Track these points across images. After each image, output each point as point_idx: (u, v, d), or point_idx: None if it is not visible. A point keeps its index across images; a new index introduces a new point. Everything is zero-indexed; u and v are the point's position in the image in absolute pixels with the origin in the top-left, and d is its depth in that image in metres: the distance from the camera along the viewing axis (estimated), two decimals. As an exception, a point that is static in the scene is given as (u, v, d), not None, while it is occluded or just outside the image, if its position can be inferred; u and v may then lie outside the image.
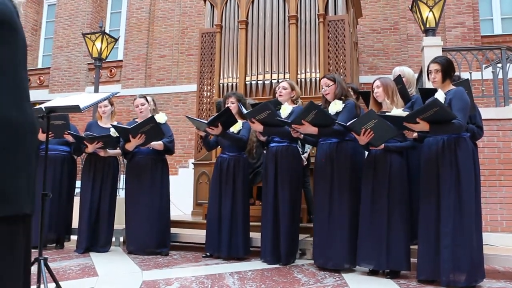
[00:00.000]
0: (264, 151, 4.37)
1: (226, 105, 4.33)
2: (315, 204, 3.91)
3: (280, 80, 5.47)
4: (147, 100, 4.74)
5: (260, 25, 6.03)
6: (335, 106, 3.81)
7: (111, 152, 4.72)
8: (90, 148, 4.57)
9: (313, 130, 3.67)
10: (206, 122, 4.13)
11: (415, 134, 3.39)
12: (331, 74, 4.09)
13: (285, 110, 4.06)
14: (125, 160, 7.61)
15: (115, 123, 4.87)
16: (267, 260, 3.98)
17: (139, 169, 4.57)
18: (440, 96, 3.18)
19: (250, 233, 4.33)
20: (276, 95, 4.25)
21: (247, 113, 3.92)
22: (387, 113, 3.39)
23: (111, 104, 4.91)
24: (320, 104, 4.15)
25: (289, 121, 3.72)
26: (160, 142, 4.52)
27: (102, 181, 4.69)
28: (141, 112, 4.67)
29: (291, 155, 4.06)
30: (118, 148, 4.74)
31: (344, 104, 3.81)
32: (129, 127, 4.35)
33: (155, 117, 4.57)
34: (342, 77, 5.48)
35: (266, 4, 6.06)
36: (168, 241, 4.59)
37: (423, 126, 3.12)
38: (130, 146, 4.45)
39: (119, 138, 4.64)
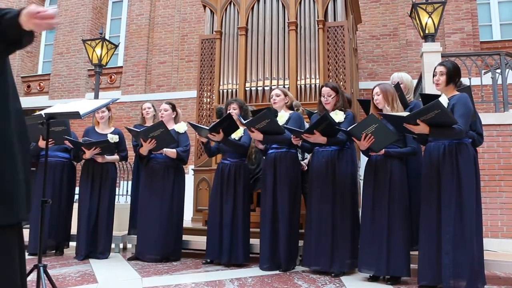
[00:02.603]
0: (264, 157, 4.37)
1: (228, 111, 4.34)
2: (311, 209, 3.89)
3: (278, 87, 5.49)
4: (173, 109, 4.75)
5: (260, 32, 6.05)
6: (337, 117, 3.83)
7: (108, 158, 4.71)
8: (88, 154, 4.57)
9: (323, 139, 3.72)
10: (207, 128, 4.13)
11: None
12: (334, 84, 4.05)
13: (282, 117, 4.07)
14: (125, 166, 7.70)
15: (112, 129, 4.88)
16: (264, 267, 3.96)
17: (151, 175, 4.56)
18: (443, 101, 3.17)
19: (251, 239, 4.32)
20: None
21: (247, 122, 3.93)
22: (388, 113, 3.39)
23: (108, 110, 4.90)
24: (316, 110, 4.17)
25: (303, 131, 3.75)
26: (174, 150, 4.50)
27: (100, 187, 4.68)
28: (162, 117, 4.68)
29: (289, 161, 4.06)
30: (116, 154, 4.74)
31: (345, 115, 3.84)
32: (139, 130, 4.38)
33: (175, 126, 4.59)
34: (341, 83, 5.52)
35: (266, 11, 6.09)
36: (177, 250, 4.55)
37: (423, 128, 3.11)
38: (143, 151, 4.47)
39: (116, 144, 4.65)
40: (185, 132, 4.70)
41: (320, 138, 3.71)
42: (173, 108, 4.77)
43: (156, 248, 4.40)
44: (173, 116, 4.77)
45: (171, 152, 4.50)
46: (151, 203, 4.48)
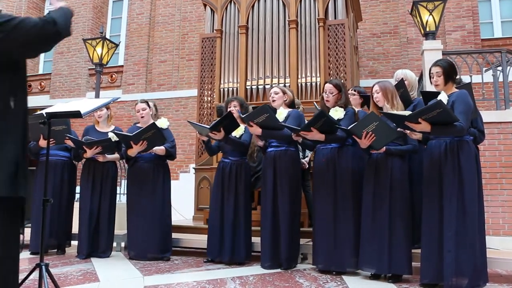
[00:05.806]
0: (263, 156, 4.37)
1: (229, 109, 4.33)
2: (315, 208, 3.90)
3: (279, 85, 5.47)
4: (148, 105, 4.73)
5: (260, 30, 6.05)
6: (337, 113, 3.81)
7: (109, 157, 4.70)
8: (89, 153, 4.56)
9: (320, 136, 3.70)
10: (208, 127, 4.12)
11: (419, 135, 3.36)
12: (338, 81, 4.02)
13: (281, 114, 4.06)
14: (125, 165, 7.70)
15: (112, 127, 4.87)
16: (266, 265, 3.95)
17: (140, 174, 4.56)
18: (443, 98, 3.17)
19: (252, 237, 4.33)
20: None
21: (245, 116, 3.92)
22: (389, 111, 3.39)
23: (107, 108, 4.89)
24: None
25: (299, 128, 3.74)
26: (162, 147, 4.50)
27: (102, 186, 4.67)
28: (142, 117, 4.66)
29: (289, 159, 4.04)
30: (117, 153, 4.74)
31: (345, 112, 3.82)
32: (131, 134, 4.33)
33: (157, 122, 4.57)
34: (342, 81, 5.50)
35: (266, 9, 6.08)
36: (169, 247, 4.58)
37: (424, 126, 3.10)
38: (132, 153, 4.44)
39: (118, 143, 4.63)
40: (167, 127, 4.69)
41: (318, 135, 3.69)
42: (148, 104, 4.74)
43: (151, 246, 4.42)
44: (151, 113, 4.74)
45: (160, 150, 4.51)
46: (143, 202, 4.49)
